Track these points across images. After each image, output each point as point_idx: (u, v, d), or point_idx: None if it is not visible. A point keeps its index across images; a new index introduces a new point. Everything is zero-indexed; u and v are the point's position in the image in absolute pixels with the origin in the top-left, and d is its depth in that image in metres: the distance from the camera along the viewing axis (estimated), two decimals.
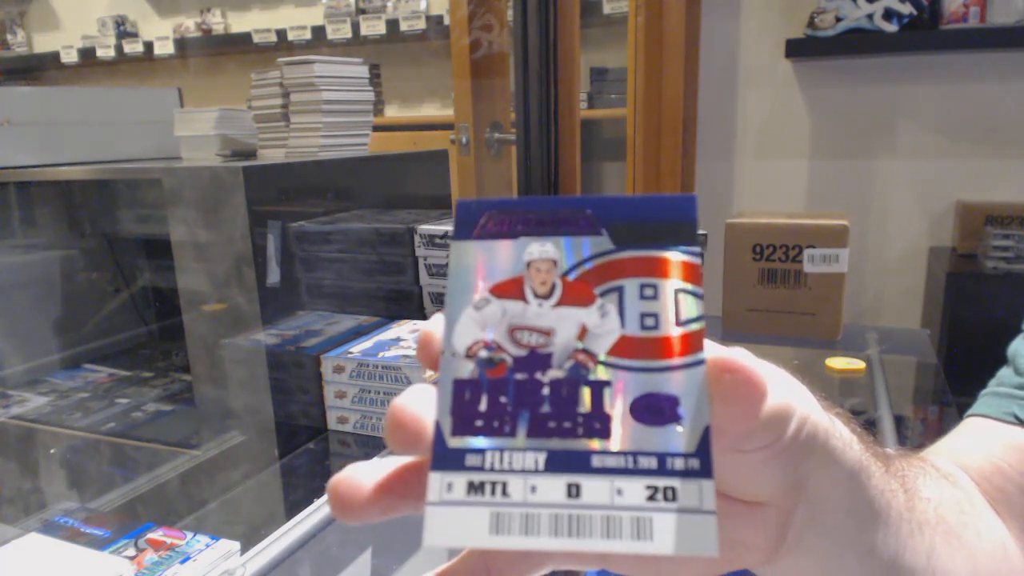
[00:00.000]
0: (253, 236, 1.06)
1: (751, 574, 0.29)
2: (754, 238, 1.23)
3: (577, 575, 0.67)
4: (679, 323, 0.21)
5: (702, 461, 0.20)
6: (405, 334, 1.08)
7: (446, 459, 0.21)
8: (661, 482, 0.20)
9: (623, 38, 2.15)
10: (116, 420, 1.26)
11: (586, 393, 0.21)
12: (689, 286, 0.22)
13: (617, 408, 0.21)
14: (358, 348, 1.02)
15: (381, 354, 0.99)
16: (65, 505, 1.05)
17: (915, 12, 1.79)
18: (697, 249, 0.22)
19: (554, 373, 0.22)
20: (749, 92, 2.09)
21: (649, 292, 0.22)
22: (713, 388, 0.21)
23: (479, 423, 0.21)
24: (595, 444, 0.21)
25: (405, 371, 0.96)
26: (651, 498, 0.20)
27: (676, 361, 0.21)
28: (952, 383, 1.10)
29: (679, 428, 0.20)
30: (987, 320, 1.66)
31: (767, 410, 0.22)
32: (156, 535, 0.73)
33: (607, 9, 2.58)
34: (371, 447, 0.99)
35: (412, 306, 1.21)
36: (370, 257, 1.22)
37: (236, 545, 0.71)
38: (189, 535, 0.72)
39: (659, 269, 0.22)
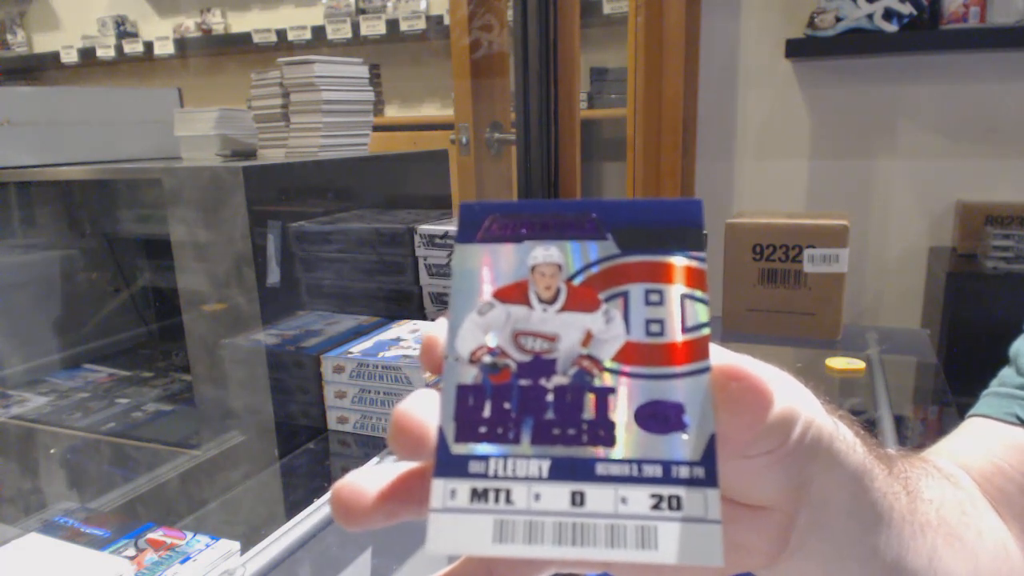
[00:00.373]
0: (253, 236, 1.06)
1: None
2: (754, 238, 1.23)
3: None
4: (685, 330, 0.21)
5: (707, 470, 0.20)
6: (405, 334, 1.08)
7: (449, 465, 0.20)
8: (666, 491, 0.20)
9: (623, 38, 2.15)
10: (116, 420, 1.26)
11: (590, 400, 0.21)
12: (695, 292, 0.22)
13: (622, 415, 0.21)
14: (358, 348, 1.02)
15: (381, 354, 0.99)
16: (65, 505, 1.05)
17: (915, 12, 1.79)
18: (703, 254, 0.22)
19: (558, 379, 0.21)
20: (749, 92, 2.09)
21: (655, 298, 0.22)
22: (719, 396, 0.21)
23: (483, 429, 0.21)
24: (599, 452, 0.20)
25: (405, 371, 0.96)
26: (656, 507, 0.20)
27: (682, 368, 0.21)
28: (952, 383, 1.10)
29: (684, 436, 0.20)
30: (987, 320, 1.66)
31: (774, 415, 0.22)
32: (156, 535, 0.73)
33: (607, 9, 2.58)
34: (371, 447, 0.99)
35: (412, 306, 1.21)
36: (370, 257, 1.22)
37: (236, 545, 0.71)
38: (189, 535, 0.72)
39: (665, 274, 0.22)
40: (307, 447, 1.02)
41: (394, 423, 0.21)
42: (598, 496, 0.20)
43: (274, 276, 1.10)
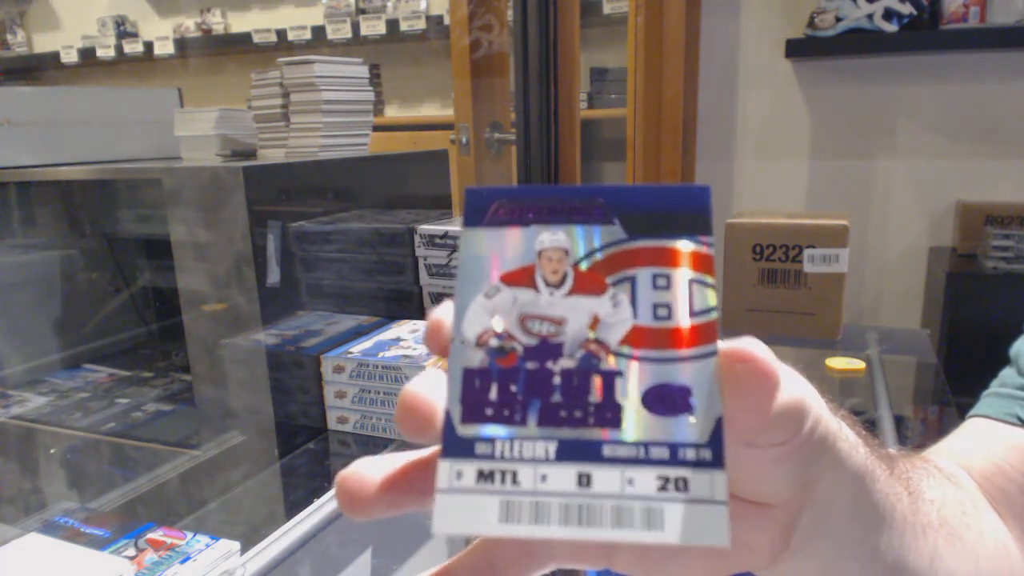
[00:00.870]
0: (253, 236, 1.06)
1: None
2: (754, 238, 1.23)
3: (578, 575, 0.67)
4: (692, 314, 0.21)
5: (714, 452, 0.20)
6: (405, 334, 1.08)
7: (456, 447, 0.20)
8: (672, 472, 0.20)
9: (623, 38, 2.15)
10: (116, 420, 1.26)
11: (597, 383, 0.21)
12: (702, 276, 0.22)
13: (629, 398, 0.21)
14: (358, 348, 1.02)
15: (381, 354, 0.99)
16: (65, 505, 1.05)
17: (915, 12, 1.79)
18: (711, 239, 0.22)
19: (565, 362, 0.21)
20: (749, 92, 2.09)
21: (662, 282, 0.22)
22: (725, 379, 0.21)
23: (489, 412, 0.21)
24: (606, 434, 0.20)
25: (405, 371, 0.96)
26: (662, 488, 0.20)
27: (689, 352, 0.21)
28: (952, 383, 1.10)
29: (691, 419, 0.20)
30: (987, 320, 1.66)
31: (785, 404, 0.22)
32: (156, 535, 0.73)
33: (607, 9, 2.59)
34: (371, 447, 0.99)
35: (412, 306, 1.21)
36: (370, 257, 1.21)
37: (236, 545, 0.71)
38: (189, 535, 0.72)
39: (672, 259, 0.22)
40: (307, 447, 1.02)
41: (402, 402, 0.21)
42: (605, 477, 0.20)
43: (274, 276, 1.10)
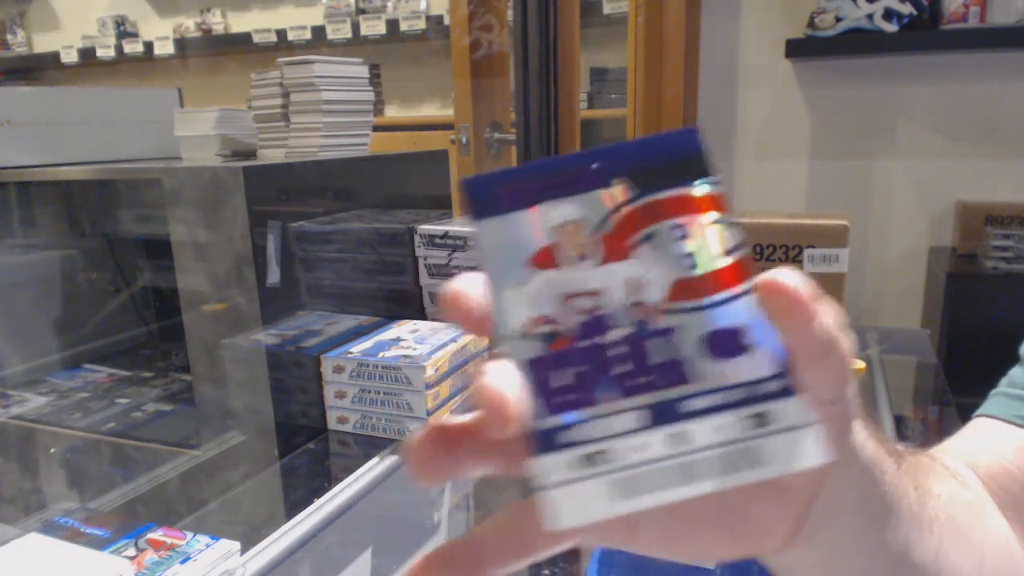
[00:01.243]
0: (253, 236, 1.06)
1: (758, 562, 0.29)
2: (754, 238, 1.23)
3: (581, 558, 0.67)
4: (722, 254, 0.21)
5: (786, 380, 0.20)
6: (405, 334, 1.08)
7: (543, 442, 0.20)
8: (755, 409, 0.20)
9: (623, 38, 2.15)
10: (116, 420, 1.26)
11: (654, 344, 0.21)
12: (720, 216, 0.22)
13: (689, 350, 0.21)
14: (358, 348, 1.02)
15: (381, 354, 0.99)
16: (65, 505, 1.05)
17: (915, 12, 1.79)
18: (716, 179, 0.22)
19: (616, 332, 0.21)
20: (749, 92, 2.09)
21: (683, 231, 0.22)
22: (765, 310, 0.21)
23: (560, 399, 0.21)
24: (680, 391, 0.20)
25: (405, 371, 0.96)
26: (751, 427, 0.20)
27: (730, 292, 0.21)
28: (952, 383, 1.10)
29: (755, 355, 0.20)
30: (987, 320, 1.66)
31: (842, 348, 0.22)
32: (156, 535, 0.73)
33: (607, 9, 2.59)
34: (371, 447, 0.99)
35: (412, 306, 1.21)
36: (370, 257, 1.21)
37: (236, 545, 0.71)
38: (189, 535, 0.72)
39: (685, 206, 0.22)
40: (307, 447, 1.02)
41: (486, 397, 0.20)
42: (694, 432, 0.20)
43: (274, 276, 1.10)
